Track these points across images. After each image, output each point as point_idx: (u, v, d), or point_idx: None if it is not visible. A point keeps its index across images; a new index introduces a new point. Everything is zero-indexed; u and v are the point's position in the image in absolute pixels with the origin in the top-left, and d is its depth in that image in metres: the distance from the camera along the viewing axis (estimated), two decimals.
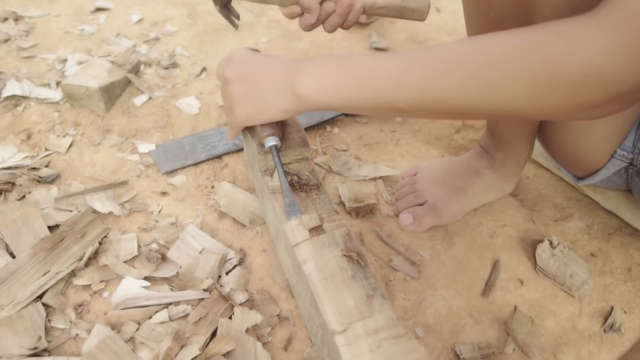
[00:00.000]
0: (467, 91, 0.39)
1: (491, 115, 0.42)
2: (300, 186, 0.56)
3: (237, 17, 0.80)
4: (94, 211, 0.64)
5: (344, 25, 0.71)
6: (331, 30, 0.72)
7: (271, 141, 0.55)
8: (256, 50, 0.59)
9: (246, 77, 0.52)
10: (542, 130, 0.70)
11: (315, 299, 0.44)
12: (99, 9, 1.21)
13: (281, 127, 0.57)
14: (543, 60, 0.35)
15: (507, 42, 0.38)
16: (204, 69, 1.02)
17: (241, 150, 0.80)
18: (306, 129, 0.87)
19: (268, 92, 0.51)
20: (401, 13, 0.71)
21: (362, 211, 0.71)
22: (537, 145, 0.79)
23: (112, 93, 0.86)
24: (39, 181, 0.69)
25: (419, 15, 0.71)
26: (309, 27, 0.71)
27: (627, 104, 0.36)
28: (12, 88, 0.85)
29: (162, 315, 0.53)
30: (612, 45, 0.32)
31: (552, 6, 0.46)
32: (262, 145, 0.57)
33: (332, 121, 0.91)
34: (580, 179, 0.72)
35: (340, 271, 0.46)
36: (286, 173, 0.57)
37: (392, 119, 0.96)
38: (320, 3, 0.68)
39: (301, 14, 0.70)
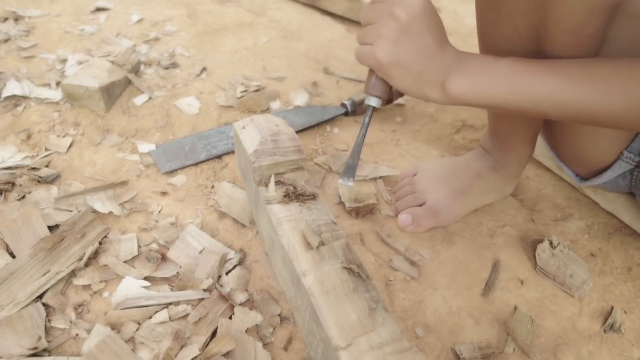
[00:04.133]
0: (625, 107, 0.42)
1: None
2: (296, 196, 0.55)
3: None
4: (94, 211, 0.64)
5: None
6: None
7: (374, 102, 0.52)
8: None
9: (411, 34, 0.48)
10: (549, 129, 0.70)
11: (316, 313, 0.43)
12: (99, 9, 1.21)
13: (390, 94, 0.55)
14: None
15: None
16: (204, 69, 1.02)
17: None
18: (306, 129, 0.87)
19: (420, 71, 0.49)
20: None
21: (362, 211, 0.71)
22: (538, 144, 0.79)
23: (112, 93, 0.86)
24: (39, 181, 0.69)
25: None
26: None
27: None
28: (12, 88, 0.85)
29: (162, 315, 0.53)
30: None
31: (564, 4, 0.46)
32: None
33: (332, 121, 0.91)
34: (583, 179, 0.71)
35: (341, 284, 0.45)
36: (282, 183, 0.56)
37: (392, 119, 0.96)
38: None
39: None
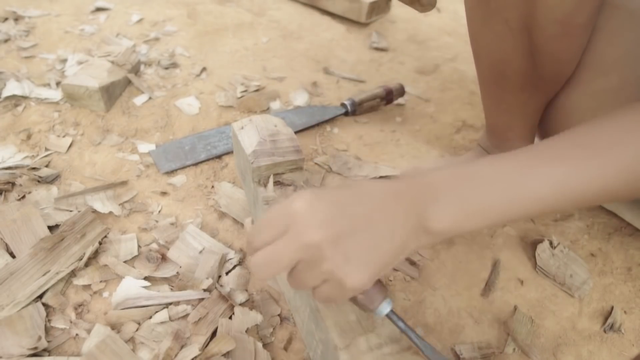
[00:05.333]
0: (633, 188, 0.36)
1: None
2: None
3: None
4: (94, 211, 0.64)
5: None
6: None
7: (387, 306, 0.40)
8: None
9: (347, 231, 0.34)
10: (545, 129, 0.70)
11: (315, 313, 0.43)
12: (99, 9, 1.21)
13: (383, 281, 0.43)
14: None
15: None
16: (204, 69, 1.02)
17: None
18: (306, 129, 0.87)
19: (388, 238, 0.35)
20: (412, 2, 0.69)
21: None
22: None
23: (112, 93, 0.86)
24: (39, 181, 0.69)
25: (424, 9, 0.70)
26: None
27: None
28: (12, 88, 0.85)
29: (162, 315, 0.53)
30: None
31: None
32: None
33: (332, 121, 0.91)
34: None
35: None
36: (281, 183, 0.56)
37: (392, 119, 0.96)
38: None
39: None
